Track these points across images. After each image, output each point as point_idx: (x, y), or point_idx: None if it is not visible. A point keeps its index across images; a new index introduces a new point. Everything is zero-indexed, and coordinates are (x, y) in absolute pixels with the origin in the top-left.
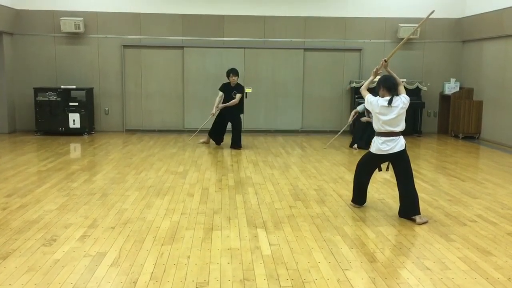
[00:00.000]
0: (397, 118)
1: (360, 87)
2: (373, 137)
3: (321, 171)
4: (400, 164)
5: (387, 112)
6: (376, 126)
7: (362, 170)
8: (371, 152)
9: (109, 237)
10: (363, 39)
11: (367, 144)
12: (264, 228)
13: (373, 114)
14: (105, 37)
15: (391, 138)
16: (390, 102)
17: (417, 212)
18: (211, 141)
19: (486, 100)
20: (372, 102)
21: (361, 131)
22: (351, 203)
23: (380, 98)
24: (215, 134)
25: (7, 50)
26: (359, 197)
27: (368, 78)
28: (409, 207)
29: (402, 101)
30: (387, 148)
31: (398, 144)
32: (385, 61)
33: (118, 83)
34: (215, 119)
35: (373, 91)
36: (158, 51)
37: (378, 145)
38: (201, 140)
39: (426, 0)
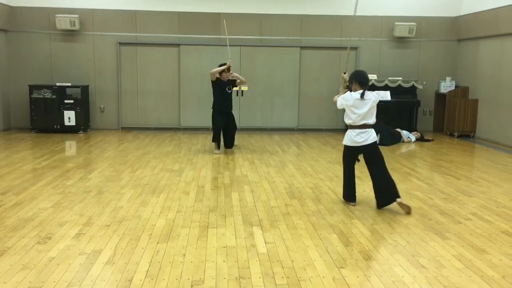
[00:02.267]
0: (369, 111)
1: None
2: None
3: (317, 169)
4: (374, 155)
5: (361, 106)
6: (350, 120)
7: (345, 165)
8: (346, 146)
9: (104, 235)
10: (359, 37)
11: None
12: (259, 226)
13: (347, 109)
14: (101, 34)
15: (365, 130)
16: (362, 95)
17: (397, 195)
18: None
19: (482, 99)
20: (345, 97)
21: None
22: (343, 200)
23: (353, 92)
24: (220, 137)
25: (2, 47)
26: (348, 192)
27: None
28: (388, 195)
29: (374, 95)
30: (361, 140)
31: (371, 135)
32: (344, 73)
33: (114, 81)
34: (221, 123)
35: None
36: (154, 49)
37: (352, 137)
38: (216, 152)
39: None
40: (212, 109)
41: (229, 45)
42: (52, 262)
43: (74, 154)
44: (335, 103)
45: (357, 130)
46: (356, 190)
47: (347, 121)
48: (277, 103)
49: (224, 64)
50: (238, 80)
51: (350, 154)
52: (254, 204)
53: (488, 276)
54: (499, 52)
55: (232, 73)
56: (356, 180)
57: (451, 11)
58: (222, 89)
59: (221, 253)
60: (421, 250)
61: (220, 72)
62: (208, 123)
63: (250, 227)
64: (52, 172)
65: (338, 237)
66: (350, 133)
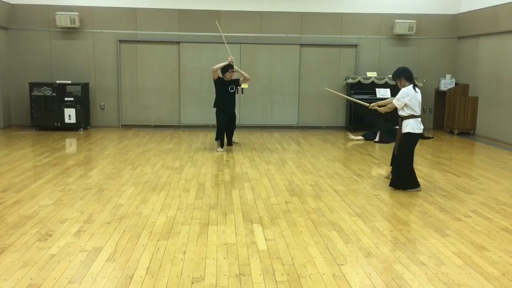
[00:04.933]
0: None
1: (356, 83)
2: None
3: (317, 166)
4: None
5: (418, 97)
6: (414, 112)
7: (409, 154)
8: (415, 134)
9: (105, 232)
10: (359, 35)
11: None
12: (260, 223)
13: (410, 102)
14: (101, 32)
15: (420, 119)
16: (414, 88)
17: None
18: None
19: (482, 96)
20: (408, 92)
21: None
22: (412, 189)
23: (407, 87)
24: (223, 135)
25: (2, 45)
26: (414, 180)
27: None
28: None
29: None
30: (423, 126)
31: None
32: (369, 105)
33: (114, 78)
34: (225, 122)
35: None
36: (154, 46)
37: (419, 125)
38: (219, 150)
39: None
40: (214, 108)
41: (229, 43)
42: (53, 259)
43: (74, 152)
44: (391, 108)
45: (418, 119)
46: (358, 187)
47: (409, 112)
48: (277, 100)
49: (228, 70)
50: (242, 78)
51: (416, 141)
52: (254, 201)
53: (488, 273)
54: (499, 50)
55: (234, 67)
56: (357, 178)
57: (451, 9)
58: (224, 88)
59: (221, 250)
60: (421, 247)
61: (224, 73)
62: (208, 120)
63: (251, 224)
64: (53, 170)
65: (338, 234)
66: (415, 122)
